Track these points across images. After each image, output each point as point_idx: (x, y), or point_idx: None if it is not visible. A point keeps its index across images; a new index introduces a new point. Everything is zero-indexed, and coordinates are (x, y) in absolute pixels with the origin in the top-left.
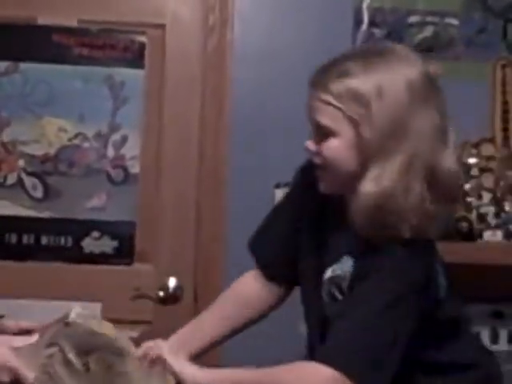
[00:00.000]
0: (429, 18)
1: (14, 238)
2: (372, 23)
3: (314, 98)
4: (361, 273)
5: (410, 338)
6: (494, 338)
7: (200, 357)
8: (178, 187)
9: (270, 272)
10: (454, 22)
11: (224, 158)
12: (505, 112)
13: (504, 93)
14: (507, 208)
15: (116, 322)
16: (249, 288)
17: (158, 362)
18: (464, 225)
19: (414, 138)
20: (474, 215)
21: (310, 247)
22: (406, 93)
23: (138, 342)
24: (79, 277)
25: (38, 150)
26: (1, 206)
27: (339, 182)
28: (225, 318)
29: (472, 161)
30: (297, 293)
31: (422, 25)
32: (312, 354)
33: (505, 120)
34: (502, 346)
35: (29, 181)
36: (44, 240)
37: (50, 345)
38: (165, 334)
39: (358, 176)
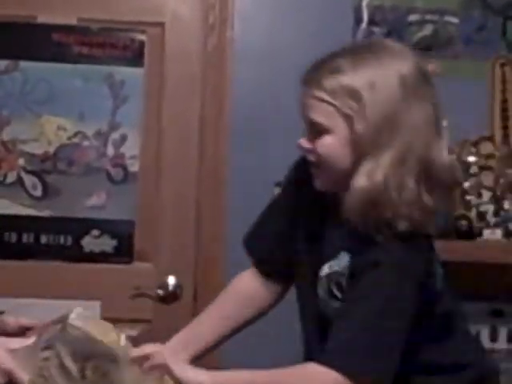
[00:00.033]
0: (428, 17)
1: (13, 237)
2: (372, 22)
3: (307, 95)
4: (358, 269)
5: (408, 334)
6: (494, 337)
7: (201, 358)
8: (178, 186)
9: (265, 268)
10: (454, 20)
11: (224, 157)
12: (504, 110)
13: (503, 91)
14: (507, 206)
15: (116, 320)
16: (247, 286)
17: (158, 368)
18: (463, 223)
19: (408, 132)
20: (473, 213)
21: (306, 244)
22: (398, 87)
23: (137, 341)
24: (79, 275)
25: (37, 149)
26: (0, 204)
27: (334, 178)
28: (224, 318)
29: (471, 159)
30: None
31: (422, 23)
32: (309, 352)
33: (504, 118)
34: (502, 344)
35: (28, 179)
36: (44, 239)
37: (47, 348)
38: (164, 333)
39: (351, 172)
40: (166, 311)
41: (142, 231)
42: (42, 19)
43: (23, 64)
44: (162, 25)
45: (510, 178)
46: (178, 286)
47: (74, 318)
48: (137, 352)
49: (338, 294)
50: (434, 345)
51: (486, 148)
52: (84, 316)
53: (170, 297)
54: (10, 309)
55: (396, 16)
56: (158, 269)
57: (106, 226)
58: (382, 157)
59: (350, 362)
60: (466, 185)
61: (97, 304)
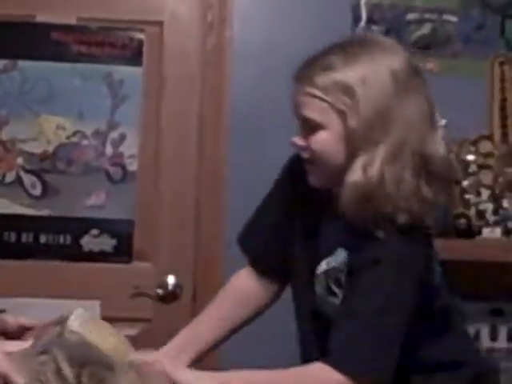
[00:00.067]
0: (427, 15)
1: (12, 237)
2: (370, 20)
3: (300, 92)
4: (356, 265)
5: (407, 331)
6: (494, 336)
7: (201, 361)
8: (177, 185)
9: (261, 267)
10: (452, 18)
11: (223, 157)
12: (503, 109)
13: (502, 90)
14: (506, 205)
15: (115, 320)
16: (243, 285)
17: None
18: (462, 222)
19: (401, 126)
20: (472, 212)
21: (302, 241)
22: (390, 82)
23: (137, 340)
24: (78, 275)
25: (36, 148)
26: None
27: (328, 174)
28: (222, 319)
29: (470, 158)
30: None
31: (420, 22)
32: (305, 352)
33: (503, 117)
34: (502, 343)
35: (27, 179)
36: (43, 238)
37: (43, 352)
38: (164, 332)
39: (346, 168)
40: (166, 310)
41: (142, 230)
42: (40, 18)
43: (22, 63)
44: (160, 24)
45: (508, 177)
46: (177, 285)
47: (72, 322)
48: (138, 359)
49: (337, 291)
50: (433, 341)
51: (485, 147)
52: (84, 318)
53: (170, 296)
54: (10, 308)
55: (394, 14)
56: (158, 268)
57: (105, 226)
58: (377, 151)
59: (351, 363)
60: (465, 183)
61: (96, 303)
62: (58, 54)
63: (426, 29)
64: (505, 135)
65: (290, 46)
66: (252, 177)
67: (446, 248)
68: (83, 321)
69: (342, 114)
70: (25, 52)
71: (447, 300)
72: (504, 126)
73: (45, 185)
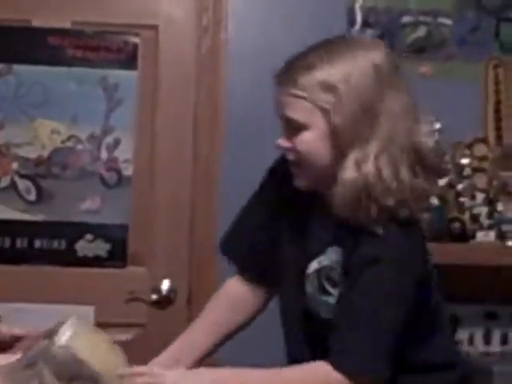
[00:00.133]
0: (422, 18)
1: (7, 242)
2: (365, 23)
3: (283, 93)
4: (355, 263)
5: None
6: (488, 339)
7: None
8: (172, 189)
9: (249, 275)
10: (447, 21)
11: (218, 160)
12: (497, 112)
13: (497, 92)
14: (500, 208)
15: (109, 325)
16: (235, 292)
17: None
18: (457, 225)
19: (388, 120)
20: (466, 216)
21: (289, 241)
22: (373, 77)
23: (131, 346)
24: (73, 280)
25: (31, 153)
26: None
27: (315, 176)
28: (218, 324)
29: (465, 161)
30: None
31: (415, 25)
32: (293, 352)
33: (497, 120)
34: (495, 347)
35: (22, 184)
36: (37, 243)
37: (30, 365)
38: (158, 337)
39: (335, 167)
40: (160, 315)
41: (136, 235)
42: (36, 23)
43: (17, 67)
44: (155, 27)
45: (503, 180)
46: (172, 290)
47: (61, 335)
48: (128, 370)
49: (331, 290)
50: (428, 341)
51: (480, 150)
52: (75, 329)
53: (164, 301)
54: (4, 314)
55: (389, 18)
56: (152, 273)
57: (99, 231)
58: (368, 148)
59: (350, 362)
60: (460, 187)
61: (91, 308)
62: (53, 58)
63: (420, 32)
64: (499, 138)
65: (285, 48)
66: (247, 180)
67: (440, 252)
68: (74, 333)
69: (325, 112)
70: (20, 56)
71: (439, 298)
72: (498, 128)
73: (39, 190)
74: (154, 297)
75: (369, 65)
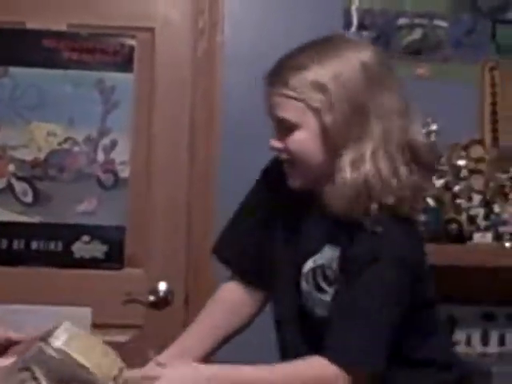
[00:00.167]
0: (417, 20)
1: (4, 244)
2: (361, 25)
3: (274, 94)
4: (353, 261)
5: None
6: (485, 340)
7: None
8: (169, 191)
9: (245, 278)
10: (443, 23)
11: (215, 162)
12: (493, 113)
13: (493, 94)
14: (497, 210)
15: (106, 326)
16: (231, 296)
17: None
18: (454, 227)
19: (380, 118)
20: (463, 217)
21: (282, 241)
22: (362, 75)
23: (128, 347)
24: (70, 282)
25: (27, 155)
26: None
27: (309, 175)
28: (214, 328)
29: (461, 163)
30: None
31: (411, 27)
32: (286, 350)
33: (494, 121)
34: (493, 347)
35: (19, 186)
36: (34, 245)
37: (24, 368)
38: (155, 339)
39: (329, 166)
40: (158, 317)
41: (133, 237)
42: (31, 25)
43: (13, 70)
44: (151, 30)
45: (499, 182)
46: (169, 291)
47: (55, 338)
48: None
49: (327, 288)
50: (425, 338)
51: (476, 151)
52: (70, 333)
53: (162, 302)
54: (1, 315)
55: (385, 20)
56: (149, 274)
57: (96, 232)
58: (363, 146)
59: (347, 356)
60: (457, 188)
61: (88, 310)
62: (49, 60)
63: (416, 34)
64: (495, 140)
65: (282, 51)
66: (244, 182)
67: (437, 253)
68: (68, 336)
69: (316, 111)
70: (16, 59)
71: (435, 297)
72: (495, 130)
73: (36, 192)
74: (151, 298)
75: (358, 64)
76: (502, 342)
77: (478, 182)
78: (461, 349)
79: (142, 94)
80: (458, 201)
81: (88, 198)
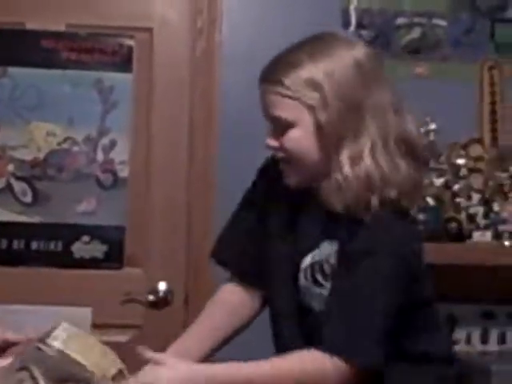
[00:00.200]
0: (416, 19)
1: (3, 244)
2: (360, 25)
3: (269, 92)
4: (351, 254)
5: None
6: (485, 339)
7: None
8: (168, 191)
9: (245, 280)
10: (442, 22)
11: (214, 161)
12: (492, 113)
13: (492, 93)
14: (496, 208)
15: (106, 326)
16: (231, 297)
17: None
18: (453, 225)
19: (376, 114)
20: (463, 216)
21: (279, 239)
22: (355, 72)
23: (128, 347)
24: (69, 282)
25: (27, 155)
26: None
27: (306, 173)
28: (214, 329)
29: (461, 161)
30: None
31: (410, 26)
32: (284, 347)
33: (493, 121)
34: (493, 346)
35: (18, 186)
36: (34, 245)
37: (21, 369)
38: (155, 339)
39: (326, 163)
40: (157, 317)
41: (133, 236)
42: (30, 26)
43: (12, 70)
44: (150, 30)
45: (499, 181)
46: (168, 291)
47: (53, 338)
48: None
49: (324, 282)
50: (425, 333)
51: (476, 150)
52: (68, 333)
53: (161, 302)
54: (1, 315)
55: (384, 19)
56: (149, 274)
57: (96, 232)
58: (360, 142)
59: (346, 346)
60: (456, 187)
61: (88, 310)
62: (48, 60)
63: (415, 33)
64: (495, 139)
65: (280, 50)
66: (243, 181)
67: (437, 252)
68: (66, 336)
69: (311, 109)
70: (15, 59)
71: (433, 296)
72: (494, 129)
73: (35, 192)
74: (151, 298)
75: (351, 61)
76: (501, 340)
77: (477, 181)
78: (461, 347)
79: (140, 93)
80: (458, 200)
81: (87, 197)
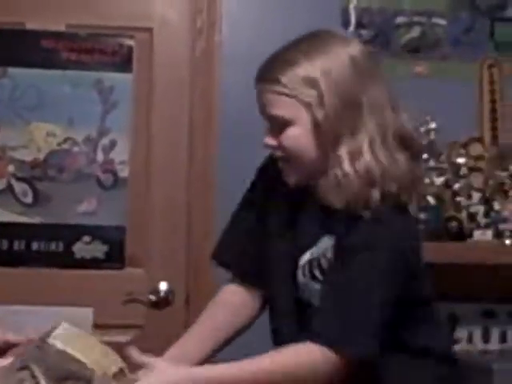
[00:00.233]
0: (416, 18)
1: (4, 244)
2: (359, 24)
3: (266, 91)
4: (349, 248)
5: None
6: (486, 338)
7: None
8: (168, 191)
9: (246, 280)
10: (441, 21)
11: (214, 161)
12: (492, 111)
13: (492, 92)
14: (497, 207)
15: (107, 326)
16: (232, 298)
17: None
18: (454, 224)
19: (373, 110)
20: (463, 215)
21: (280, 238)
22: (351, 69)
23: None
24: (70, 282)
25: (27, 156)
26: None
27: (304, 170)
28: (215, 331)
29: (461, 160)
30: None
31: (410, 25)
32: (282, 342)
33: (493, 119)
34: (494, 345)
35: (18, 186)
36: (35, 246)
37: (22, 368)
38: (156, 339)
39: (324, 161)
40: (158, 317)
41: (133, 236)
42: (30, 26)
43: (12, 70)
44: (150, 30)
45: (499, 179)
46: (169, 291)
47: (53, 337)
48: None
49: (320, 276)
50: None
51: (476, 149)
52: (68, 333)
53: (162, 302)
54: (2, 316)
55: (383, 18)
56: (150, 274)
57: (96, 232)
58: (358, 139)
59: (341, 340)
60: (456, 186)
61: (89, 311)
62: (48, 61)
63: (415, 32)
64: (495, 138)
65: None
66: (243, 181)
67: (437, 251)
68: (66, 336)
69: (309, 107)
70: (15, 59)
71: (432, 294)
72: (494, 128)
73: (36, 192)
74: (152, 298)
75: (347, 58)
76: (502, 339)
77: (477, 180)
78: (462, 346)
79: (140, 93)
80: (458, 198)
81: (88, 198)
